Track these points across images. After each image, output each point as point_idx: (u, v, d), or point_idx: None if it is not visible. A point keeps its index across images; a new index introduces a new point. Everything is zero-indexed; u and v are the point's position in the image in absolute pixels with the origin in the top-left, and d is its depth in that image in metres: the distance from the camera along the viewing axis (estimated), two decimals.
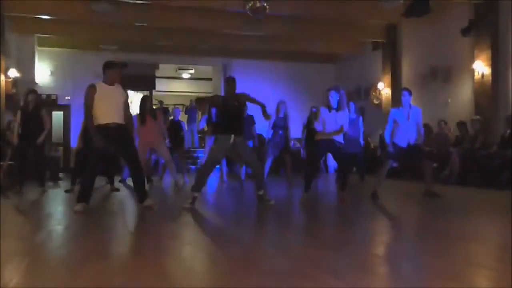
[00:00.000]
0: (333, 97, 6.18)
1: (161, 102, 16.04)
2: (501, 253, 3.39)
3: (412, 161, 7.00)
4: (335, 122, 6.21)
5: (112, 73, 5.41)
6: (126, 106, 5.57)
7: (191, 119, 16.58)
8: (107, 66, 5.42)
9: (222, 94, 6.40)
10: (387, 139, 6.58)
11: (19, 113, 7.71)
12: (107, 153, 5.60)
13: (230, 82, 5.94)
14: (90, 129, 5.37)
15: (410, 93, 6.61)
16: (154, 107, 8.18)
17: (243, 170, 8.70)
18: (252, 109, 8.37)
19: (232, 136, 5.72)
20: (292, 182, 8.70)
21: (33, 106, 7.59)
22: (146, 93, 17.19)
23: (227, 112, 5.81)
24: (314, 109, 9.77)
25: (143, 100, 8.15)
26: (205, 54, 15.23)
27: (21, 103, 8.09)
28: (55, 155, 11.96)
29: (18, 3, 10.53)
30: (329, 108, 6.22)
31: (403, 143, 6.47)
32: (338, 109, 6.22)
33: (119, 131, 5.35)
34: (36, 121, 7.51)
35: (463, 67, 10.57)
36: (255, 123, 9.01)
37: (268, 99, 9.98)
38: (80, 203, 5.24)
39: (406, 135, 6.47)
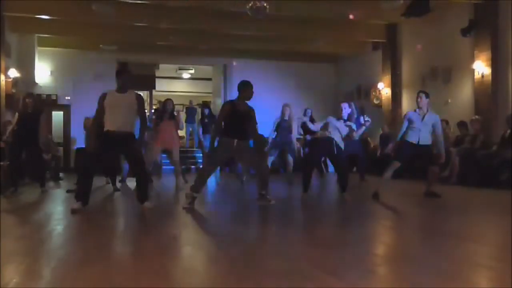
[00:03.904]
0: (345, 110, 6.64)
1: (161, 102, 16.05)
2: (501, 253, 3.39)
3: (420, 162, 7.01)
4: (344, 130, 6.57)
5: (120, 80, 5.45)
6: (140, 110, 5.56)
7: (190, 119, 16.59)
8: (117, 73, 5.51)
9: (222, 94, 6.41)
10: (401, 133, 6.62)
11: (16, 116, 7.68)
12: (106, 153, 5.65)
13: (246, 86, 5.88)
14: (92, 133, 5.63)
15: (426, 95, 6.61)
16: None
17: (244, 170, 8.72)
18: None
19: (235, 141, 5.74)
20: (292, 181, 8.71)
21: (32, 109, 7.57)
22: (146, 93, 17.24)
23: (233, 116, 5.80)
24: (308, 111, 9.82)
25: (165, 102, 8.13)
26: (205, 54, 15.22)
27: (20, 107, 8.04)
28: (55, 155, 11.95)
29: (18, 3, 10.52)
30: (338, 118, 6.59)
31: (414, 138, 6.53)
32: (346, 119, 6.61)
33: (123, 138, 5.37)
34: (34, 124, 7.48)
35: (463, 67, 10.57)
36: (256, 123, 9.04)
37: (268, 99, 10.05)
38: (77, 203, 5.25)
39: (418, 135, 6.50)
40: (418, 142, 6.51)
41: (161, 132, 7.86)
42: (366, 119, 7.71)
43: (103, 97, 5.44)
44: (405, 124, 6.63)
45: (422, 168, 7.13)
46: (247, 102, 5.92)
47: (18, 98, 10.96)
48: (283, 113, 8.78)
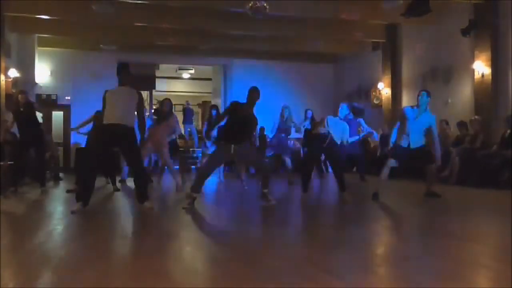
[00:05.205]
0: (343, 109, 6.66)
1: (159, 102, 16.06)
2: (501, 253, 3.39)
3: (415, 163, 7.00)
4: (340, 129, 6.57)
5: (120, 76, 5.51)
6: (140, 107, 5.58)
7: (187, 119, 16.57)
8: (117, 70, 5.56)
9: (222, 94, 6.43)
10: (393, 138, 6.59)
11: (11, 116, 7.69)
12: (106, 152, 5.66)
13: (253, 92, 5.87)
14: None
15: (428, 94, 6.54)
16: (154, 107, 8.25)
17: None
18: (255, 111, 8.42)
19: (232, 146, 5.74)
20: (292, 182, 8.71)
21: (24, 105, 7.56)
22: (146, 93, 17.23)
23: (233, 120, 5.81)
24: (309, 112, 9.85)
25: (161, 103, 8.16)
26: (205, 54, 15.22)
27: (13, 105, 8.07)
28: (54, 154, 11.94)
29: (18, 3, 10.51)
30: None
31: (405, 143, 6.48)
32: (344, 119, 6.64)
33: (122, 132, 5.34)
34: (31, 121, 7.48)
35: (463, 67, 10.56)
36: (257, 124, 9.08)
37: (268, 99, 10.03)
38: (78, 203, 5.25)
39: (407, 139, 6.46)
40: (409, 146, 6.48)
41: (152, 133, 7.90)
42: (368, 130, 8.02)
43: (105, 94, 5.50)
44: (397, 126, 6.61)
45: (419, 169, 7.12)
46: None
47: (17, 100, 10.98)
48: (282, 115, 8.84)
